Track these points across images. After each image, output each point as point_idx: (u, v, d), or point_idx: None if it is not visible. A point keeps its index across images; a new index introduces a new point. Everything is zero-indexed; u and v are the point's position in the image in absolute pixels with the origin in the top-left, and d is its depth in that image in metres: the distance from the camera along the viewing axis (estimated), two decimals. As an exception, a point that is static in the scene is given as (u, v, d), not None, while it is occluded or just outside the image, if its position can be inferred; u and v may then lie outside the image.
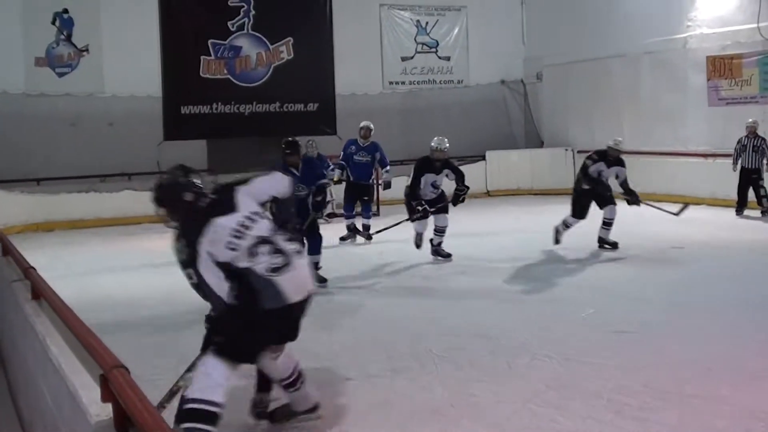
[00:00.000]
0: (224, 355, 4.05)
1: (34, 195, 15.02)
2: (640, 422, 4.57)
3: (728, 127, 14.38)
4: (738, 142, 13.46)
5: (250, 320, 4.11)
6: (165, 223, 4.28)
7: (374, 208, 13.39)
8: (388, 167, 12.41)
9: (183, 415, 3.91)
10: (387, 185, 12.52)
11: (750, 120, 13.41)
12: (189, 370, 4.14)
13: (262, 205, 4.46)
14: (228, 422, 4.29)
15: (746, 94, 14.61)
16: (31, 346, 4.43)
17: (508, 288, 8.63)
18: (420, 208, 9.87)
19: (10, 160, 15.17)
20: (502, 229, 12.94)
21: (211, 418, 3.91)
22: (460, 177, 9.98)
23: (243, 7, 17.68)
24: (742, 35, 14.55)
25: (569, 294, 8.10)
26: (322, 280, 8.57)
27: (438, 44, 19.81)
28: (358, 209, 12.33)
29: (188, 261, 4.06)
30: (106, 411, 2.79)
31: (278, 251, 4.13)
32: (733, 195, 13.60)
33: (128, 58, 16.41)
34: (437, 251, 10.17)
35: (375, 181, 13.11)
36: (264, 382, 4.82)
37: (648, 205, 10.97)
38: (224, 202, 4.23)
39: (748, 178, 13.37)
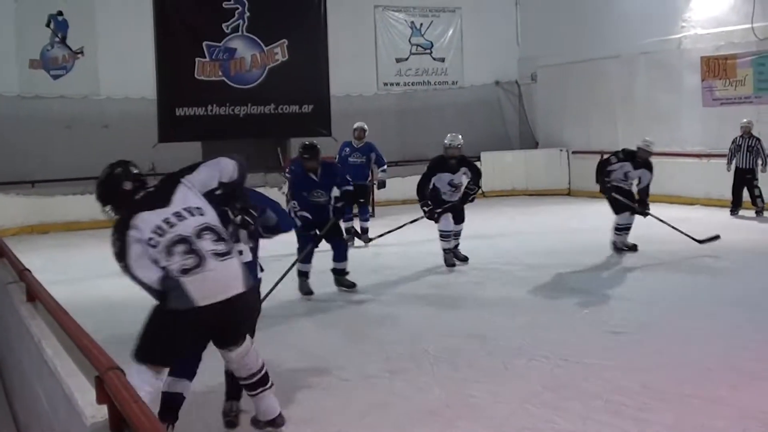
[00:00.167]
0: (137, 357, 4.01)
1: (29, 197, 15.02)
2: (639, 423, 4.57)
3: (723, 127, 14.41)
4: (732, 142, 13.48)
5: (160, 321, 4.05)
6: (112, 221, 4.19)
7: (370, 210, 13.35)
8: (385, 166, 12.38)
9: None
10: (381, 184, 12.50)
11: (744, 120, 13.44)
12: None
13: (219, 193, 4.32)
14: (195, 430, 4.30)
15: (740, 94, 14.64)
16: (26, 349, 4.41)
17: (504, 289, 8.63)
18: (426, 209, 9.68)
19: (5, 163, 15.13)
20: (497, 229, 12.93)
21: None
22: (475, 176, 9.75)
23: (237, 8, 17.65)
24: (736, 36, 14.57)
25: (566, 295, 8.09)
26: (351, 285, 8.51)
27: (432, 45, 19.80)
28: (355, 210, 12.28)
29: (119, 254, 4.01)
30: (102, 413, 2.77)
31: (192, 251, 3.98)
32: (728, 195, 13.64)
33: (123, 61, 16.39)
34: (456, 256, 9.92)
35: (371, 182, 13.09)
36: (234, 390, 4.78)
37: (672, 228, 10.28)
38: (159, 195, 4.14)
39: (743, 179, 13.39)
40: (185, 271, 3.94)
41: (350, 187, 8.51)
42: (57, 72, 16.37)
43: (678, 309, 7.41)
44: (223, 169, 4.34)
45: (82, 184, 14.99)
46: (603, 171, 10.08)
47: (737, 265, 9.44)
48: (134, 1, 16.84)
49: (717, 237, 10.24)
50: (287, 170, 14.14)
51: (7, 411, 5.55)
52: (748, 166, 13.29)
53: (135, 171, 4.25)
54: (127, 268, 4.01)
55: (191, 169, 4.30)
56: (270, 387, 4.47)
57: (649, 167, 10.06)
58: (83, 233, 13.84)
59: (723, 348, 6.03)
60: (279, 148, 16.93)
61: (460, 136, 9.79)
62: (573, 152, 18.24)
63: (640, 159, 10.02)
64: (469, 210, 10.12)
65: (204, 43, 17.48)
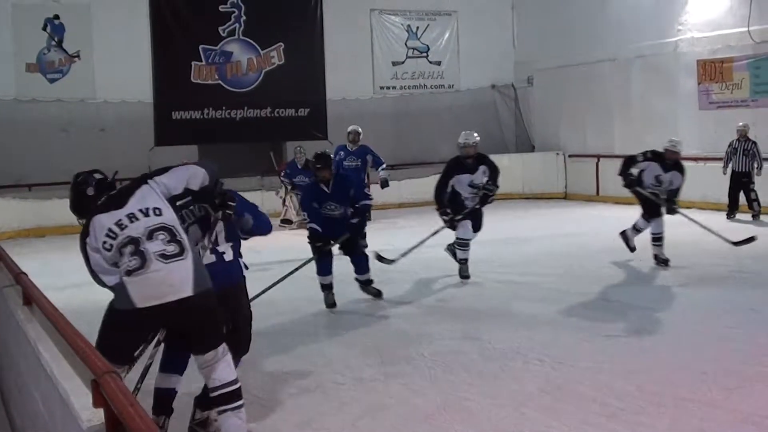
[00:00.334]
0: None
1: (25, 200, 15.04)
2: (634, 426, 4.57)
3: (719, 130, 14.43)
4: (729, 146, 13.48)
5: (108, 320, 4.11)
6: None
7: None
8: (384, 165, 12.34)
9: None
10: (384, 183, 12.42)
11: (741, 123, 13.44)
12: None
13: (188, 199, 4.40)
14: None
15: (737, 97, 14.67)
16: (22, 352, 4.41)
17: (499, 292, 8.63)
18: (446, 218, 8.88)
19: (2, 166, 15.17)
20: (492, 233, 12.87)
21: None
22: (493, 174, 8.97)
23: (234, 12, 17.68)
24: (733, 39, 14.60)
25: (561, 299, 8.07)
26: (377, 294, 8.34)
27: (429, 49, 19.82)
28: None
29: (85, 261, 4.09)
30: (98, 416, 2.77)
31: (137, 253, 3.96)
32: (724, 199, 13.63)
33: (119, 64, 16.40)
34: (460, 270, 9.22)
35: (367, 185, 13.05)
36: (207, 400, 4.75)
37: (704, 228, 9.97)
38: (117, 198, 4.15)
39: (739, 182, 13.40)
40: (128, 272, 3.95)
41: (368, 201, 8.23)
42: (53, 75, 16.38)
43: (673, 313, 7.43)
44: (192, 175, 4.34)
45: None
46: (628, 165, 9.64)
47: (733, 268, 9.45)
48: (130, 4, 16.87)
49: (753, 238, 9.85)
50: (282, 174, 14.15)
51: (4, 414, 5.55)
52: (744, 170, 13.30)
53: (99, 177, 4.28)
54: (92, 274, 4.10)
55: (163, 171, 4.33)
56: (235, 408, 4.20)
57: (680, 169, 9.53)
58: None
59: (718, 352, 6.03)
60: (271, 152, 16.87)
61: (476, 134, 9.12)
62: (569, 156, 18.26)
63: (669, 161, 9.52)
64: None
65: (200, 47, 17.52)
